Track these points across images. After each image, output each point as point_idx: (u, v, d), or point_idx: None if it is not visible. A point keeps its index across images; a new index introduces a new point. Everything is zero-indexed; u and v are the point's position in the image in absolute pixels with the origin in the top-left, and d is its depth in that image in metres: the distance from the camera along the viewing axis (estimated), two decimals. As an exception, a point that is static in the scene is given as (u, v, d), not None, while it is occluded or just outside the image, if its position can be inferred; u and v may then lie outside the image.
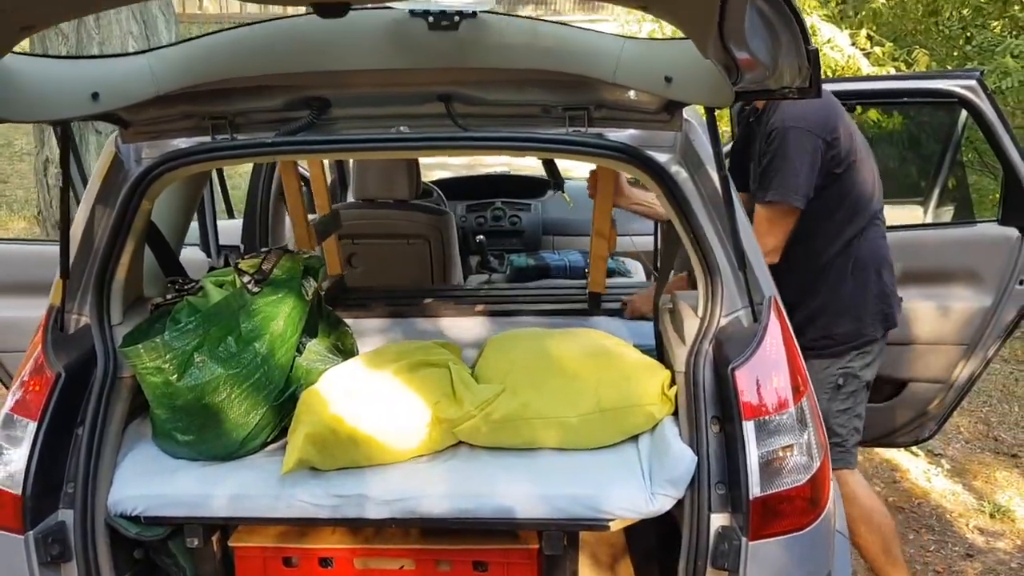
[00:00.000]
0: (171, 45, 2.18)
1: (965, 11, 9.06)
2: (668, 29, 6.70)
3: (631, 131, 2.26)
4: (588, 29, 2.22)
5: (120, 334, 2.32)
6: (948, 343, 3.36)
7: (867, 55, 7.79)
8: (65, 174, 2.19)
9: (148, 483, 2.20)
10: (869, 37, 8.22)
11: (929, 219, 3.88)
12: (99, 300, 2.31)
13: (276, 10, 1.90)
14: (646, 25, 7.91)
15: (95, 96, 2.07)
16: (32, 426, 2.10)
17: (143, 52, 2.16)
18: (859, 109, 4.20)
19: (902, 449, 4.45)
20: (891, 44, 8.36)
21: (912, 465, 4.51)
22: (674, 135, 2.25)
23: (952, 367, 3.40)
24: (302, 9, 1.95)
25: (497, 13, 2.14)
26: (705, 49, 1.70)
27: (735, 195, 2.17)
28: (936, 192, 3.90)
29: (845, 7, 9.49)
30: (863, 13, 8.81)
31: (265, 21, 2.22)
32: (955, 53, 8.58)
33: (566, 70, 2.14)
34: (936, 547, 3.81)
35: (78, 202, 2.45)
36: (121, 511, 2.17)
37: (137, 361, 2.18)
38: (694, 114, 2.31)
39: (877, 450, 4.45)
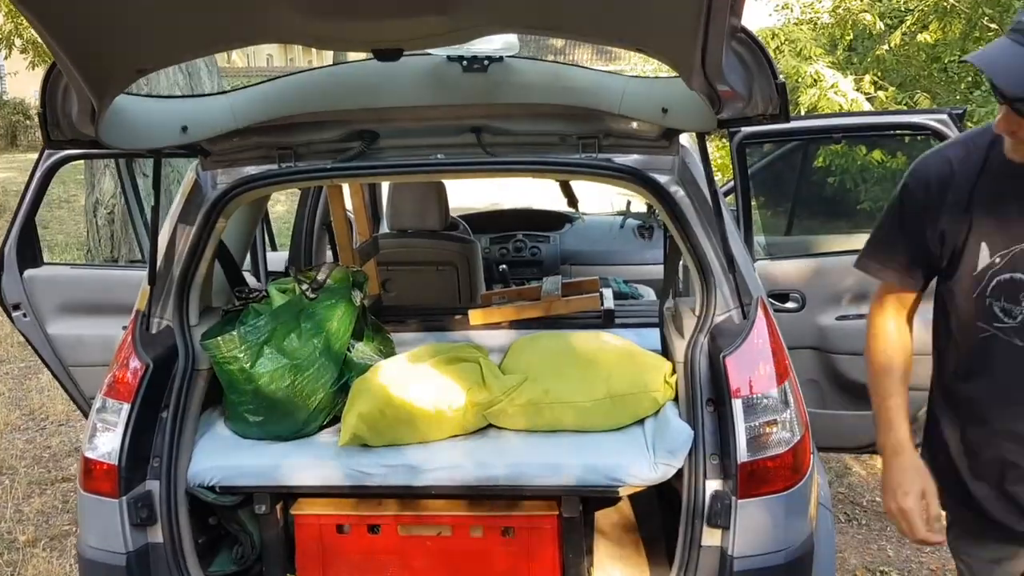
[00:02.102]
0: (248, 87, 2.55)
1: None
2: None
3: (635, 156, 2.61)
4: (596, 69, 2.60)
5: (196, 334, 2.68)
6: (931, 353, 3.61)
7: (871, 99, 8.15)
8: (156, 196, 2.54)
9: (222, 457, 2.55)
10: (874, 83, 8.58)
11: None
12: (179, 304, 2.67)
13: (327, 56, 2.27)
14: (663, 73, 8.33)
15: (184, 129, 2.45)
16: (126, 408, 2.45)
17: (225, 92, 2.55)
18: (844, 143, 4.54)
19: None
20: (895, 88, 8.71)
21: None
22: (672, 159, 2.61)
23: (938, 375, 3.64)
24: (361, 55, 2.34)
25: (521, 57, 2.52)
26: (690, 82, 2.06)
27: (724, 208, 2.52)
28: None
29: (851, 54, 9.87)
30: (868, 59, 9.18)
31: (299, 72, 2.59)
32: (957, 97, 8.89)
33: (579, 104, 2.50)
34: (932, 548, 4.05)
35: (133, 224, 2.70)
36: (199, 482, 2.52)
37: (216, 352, 2.54)
38: (690, 141, 2.67)
39: (878, 461, 4.72)
